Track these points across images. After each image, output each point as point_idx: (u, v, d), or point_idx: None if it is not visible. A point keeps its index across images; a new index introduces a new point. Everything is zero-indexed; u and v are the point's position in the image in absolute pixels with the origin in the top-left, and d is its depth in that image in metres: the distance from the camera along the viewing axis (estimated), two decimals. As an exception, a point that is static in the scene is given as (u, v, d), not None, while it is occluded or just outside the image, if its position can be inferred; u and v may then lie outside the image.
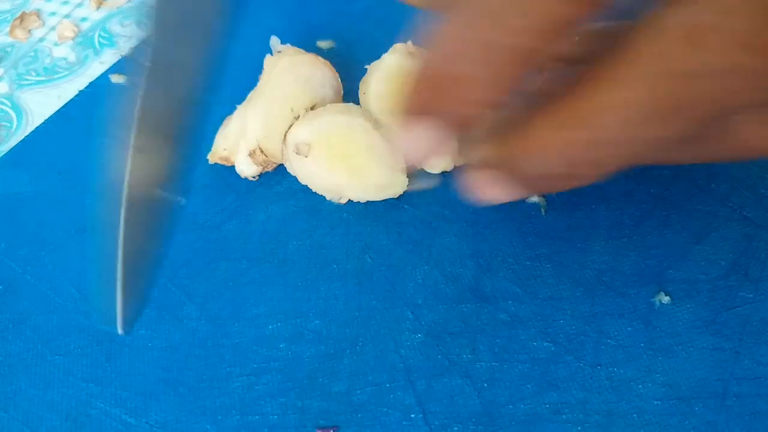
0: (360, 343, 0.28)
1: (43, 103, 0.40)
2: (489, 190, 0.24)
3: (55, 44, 0.44)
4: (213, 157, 0.33)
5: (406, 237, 0.31)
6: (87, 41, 0.44)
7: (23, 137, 0.37)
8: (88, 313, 0.30)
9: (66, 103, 0.39)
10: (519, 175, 0.23)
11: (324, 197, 0.33)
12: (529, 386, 0.27)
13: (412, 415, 0.26)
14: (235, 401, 0.27)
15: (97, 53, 0.43)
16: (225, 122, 0.34)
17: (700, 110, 0.19)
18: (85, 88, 0.39)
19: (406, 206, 0.32)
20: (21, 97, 0.41)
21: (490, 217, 0.31)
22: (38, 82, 0.42)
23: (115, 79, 0.40)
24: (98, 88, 0.39)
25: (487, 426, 0.26)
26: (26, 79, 0.42)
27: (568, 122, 0.20)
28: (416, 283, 0.30)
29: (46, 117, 0.38)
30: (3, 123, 0.39)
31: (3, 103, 0.40)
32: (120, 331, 0.22)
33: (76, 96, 0.39)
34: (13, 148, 0.37)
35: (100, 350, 0.29)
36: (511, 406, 0.26)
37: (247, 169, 0.32)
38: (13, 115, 0.40)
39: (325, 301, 0.30)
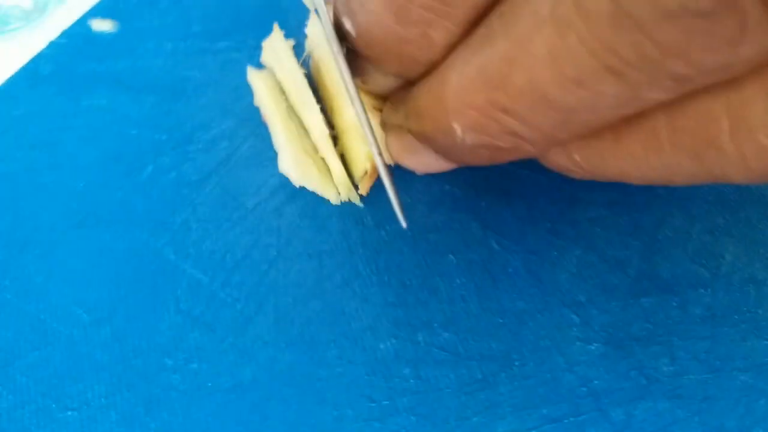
0: (517, 363, 0.20)
1: (-6, 61, 0.29)
2: (408, 159, 0.20)
3: (2, -11, 0.33)
4: None
5: (538, 212, 0.23)
6: (44, -15, 0.33)
7: (-26, 104, 0.27)
8: (105, 343, 0.20)
9: (33, 58, 0.28)
10: (431, 145, 0.18)
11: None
12: (761, 403, 0.19)
13: (618, 459, 0.18)
14: (355, 460, 0.18)
15: (59, -1, 0.32)
16: None
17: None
18: (58, 38, 0.29)
19: (525, 171, 0.24)
20: (-38, 54, 0.30)
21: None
22: (-17, 35, 0.31)
23: (98, 26, 0.29)
24: (75, 38, 0.29)
25: (722, 465, 0.18)
26: (-35, 32, 0.31)
27: (476, 76, 0.14)
28: (570, 273, 0.22)
29: (4, 77, 0.28)
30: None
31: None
32: (404, 224, 0.19)
33: (45, 48, 0.29)
34: (-40, 118, 0.26)
35: (135, 398, 0.20)
36: (746, 434, 0.19)
37: None
38: (-47, 75, 0.29)
39: (450, 305, 0.21)
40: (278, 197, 0.24)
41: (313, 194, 0.24)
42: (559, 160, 0.17)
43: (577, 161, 0.16)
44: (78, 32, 0.29)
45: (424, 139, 0.18)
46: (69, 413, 0.19)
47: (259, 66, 0.26)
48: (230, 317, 0.21)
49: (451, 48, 0.15)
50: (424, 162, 0.20)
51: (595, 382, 0.20)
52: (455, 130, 0.16)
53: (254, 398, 0.19)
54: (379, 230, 0.23)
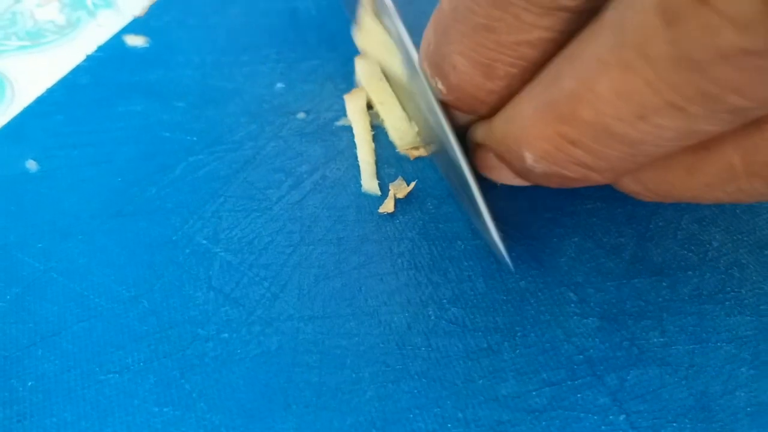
0: (519, 334, 0.22)
1: (31, 71, 0.32)
2: (491, 173, 0.21)
3: (38, 5, 0.36)
4: None
5: (540, 204, 0.25)
6: (77, 2, 0.36)
7: (21, 110, 0.29)
8: (142, 316, 0.22)
9: (72, 70, 0.31)
10: (508, 167, 0.19)
11: (425, 162, 0.26)
12: (743, 370, 0.21)
13: (612, 417, 0.20)
14: (373, 417, 0.20)
15: (91, 15, 0.35)
16: None
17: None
18: (95, 52, 0.32)
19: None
20: (1, 65, 0.32)
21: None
22: (21, 48, 0.34)
23: (132, 41, 0.32)
24: (110, 51, 0.32)
25: (708, 422, 0.20)
26: (6, 45, 0.34)
27: (547, 111, 0.16)
28: (569, 257, 0.24)
29: (43, 86, 0.30)
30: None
31: (-24, 74, 0.32)
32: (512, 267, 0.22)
33: (83, 61, 0.31)
34: (9, 123, 0.29)
35: (171, 364, 0.21)
36: (729, 396, 0.21)
37: None
38: (-6, 85, 0.32)
39: (458, 284, 0.23)
40: (300, 191, 0.26)
41: (332, 188, 0.26)
42: (630, 187, 0.18)
43: (650, 189, 0.18)
44: (113, 46, 0.32)
45: (502, 161, 0.20)
46: (110, 376, 0.21)
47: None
48: (258, 294, 0.23)
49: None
50: (504, 177, 0.21)
51: (591, 351, 0.22)
52: (526, 158, 0.17)
53: (280, 364, 0.21)
54: (393, 220, 0.25)
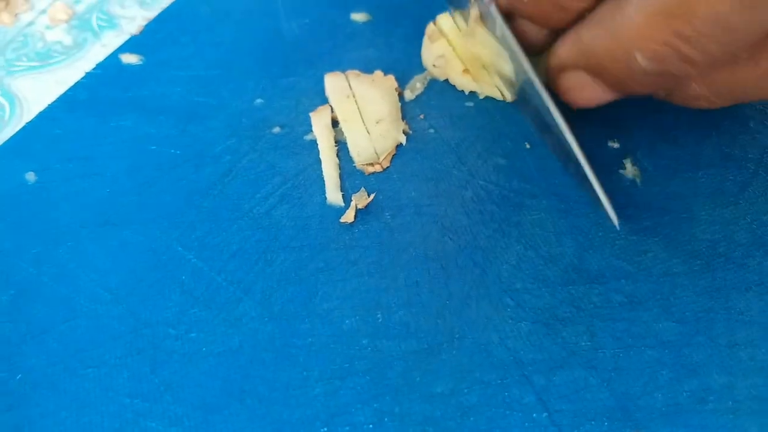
0: (457, 336, 0.24)
1: (39, 90, 0.35)
2: (576, 94, 0.24)
3: (47, 27, 0.39)
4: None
5: (489, 215, 0.27)
6: (84, 24, 0.39)
7: (23, 125, 0.32)
8: (121, 316, 0.25)
9: (72, 87, 0.34)
10: (603, 78, 0.22)
11: (387, 175, 0.28)
12: (664, 373, 0.23)
13: (535, 415, 0.22)
14: (318, 411, 0.23)
15: (96, 36, 0.38)
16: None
17: None
18: (93, 69, 0.34)
19: (481, 182, 0.28)
20: (12, 85, 0.35)
21: (580, 190, 0.27)
22: (31, 68, 0.36)
23: (127, 59, 0.35)
24: (107, 69, 0.34)
25: (624, 421, 0.22)
26: (17, 65, 0.37)
27: (659, 12, 0.18)
28: (510, 265, 0.26)
29: (47, 103, 0.33)
30: (-6, 112, 0.34)
31: (-8, 92, 0.35)
32: (617, 223, 0.25)
33: (82, 78, 0.34)
34: (12, 137, 0.31)
35: (143, 360, 0.24)
36: (647, 397, 0.22)
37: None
38: (5, 103, 0.34)
39: (407, 289, 0.25)
40: (269, 202, 0.28)
41: (300, 198, 0.28)
42: (698, 91, 0.22)
43: (717, 90, 0.21)
44: (110, 64, 0.35)
45: (598, 73, 0.22)
46: (90, 370, 0.24)
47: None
48: (224, 297, 0.25)
49: None
50: (588, 96, 0.24)
51: (521, 353, 0.24)
52: (638, 61, 0.20)
53: (239, 361, 0.24)
54: (352, 230, 0.27)
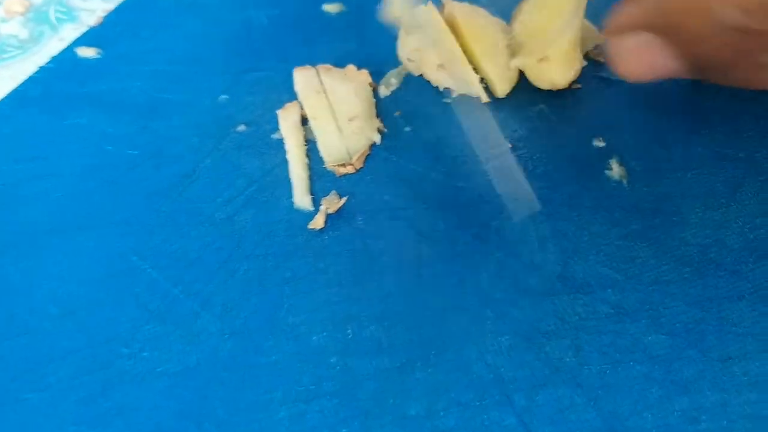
0: (433, 352, 0.22)
1: (-10, 85, 0.33)
2: (634, 61, 0.22)
3: (2, 20, 0.37)
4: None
5: (467, 220, 0.25)
6: (41, 16, 0.37)
7: (-31, 123, 0.30)
8: (69, 333, 0.23)
9: (23, 82, 0.31)
10: (679, 33, 0.21)
11: (360, 177, 0.27)
12: (653, 390, 0.21)
13: (516, 439, 0.20)
14: (281, 436, 0.21)
15: (54, 29, 0.36)
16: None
17: None
18: (47, 63, 0.32)
19: (460, 184, 0.26)
20: (-38, 80, 0.33)
21: (564, 192, 0.26)
22: (-18, 63, 0.34)
23: (83, 52, 0.33)
24: (62, 63, 0.32)
25: (612, 445, 0.20)
26: (-33, 59, 0.34)
27: None
28: (490, 274, 0.24)
29: (-1, 99, 0.31)
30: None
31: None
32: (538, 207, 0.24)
33: (35, 73, 0.32)
34: (-44, 136, 0.29)
35: (93, 381, 0.22)
36: (636, 417, 0.21)
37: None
38: (-47, 100, 0.32)
39: (380, 301, 0.23)
40: (233, 206, 0.26)
41: (265, 202, 0.26)
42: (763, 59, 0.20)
43: None
44: (65, 58, 0.32)
45: (673, 31, 0.21)
46: (32, 395, 0.22)
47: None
48: (181, 311, 0.23)
49: None
50: (648, 61, 0.22)
51: (502, 370, 0.22)
52: (723, 12, 0.19)
53: (197, 382, 0.22)
54: (322, 236, 0.25)
